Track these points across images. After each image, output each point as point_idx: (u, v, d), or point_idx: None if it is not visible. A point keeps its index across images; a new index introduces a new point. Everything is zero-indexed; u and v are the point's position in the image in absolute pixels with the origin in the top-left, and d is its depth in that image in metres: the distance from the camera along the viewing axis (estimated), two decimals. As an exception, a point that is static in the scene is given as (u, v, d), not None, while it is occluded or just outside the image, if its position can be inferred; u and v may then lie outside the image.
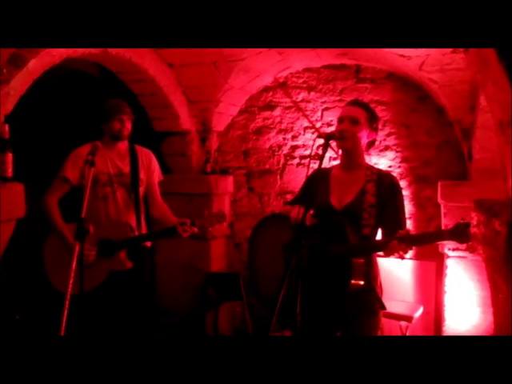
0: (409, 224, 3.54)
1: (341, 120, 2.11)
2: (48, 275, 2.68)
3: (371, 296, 2.09)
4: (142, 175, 2.83)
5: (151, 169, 2.90)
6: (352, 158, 2.14)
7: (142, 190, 2.84)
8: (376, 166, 2.26)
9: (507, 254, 1.02)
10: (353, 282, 1.99)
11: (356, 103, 2.18)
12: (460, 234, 1.74)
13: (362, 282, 2.01)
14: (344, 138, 2.06)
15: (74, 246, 2.00)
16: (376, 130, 2.17)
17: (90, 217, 2.62)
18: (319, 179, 2.12)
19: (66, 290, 1.92)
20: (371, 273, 2.10)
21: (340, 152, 2.21)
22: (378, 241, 2.04)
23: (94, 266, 2.59)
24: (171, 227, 2.64)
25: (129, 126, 2.76)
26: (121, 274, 2.65)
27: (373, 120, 2.13)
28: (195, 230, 2.62)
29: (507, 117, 1.17)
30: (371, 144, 2.19)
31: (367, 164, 2.21)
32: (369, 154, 2.45)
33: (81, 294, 2.08)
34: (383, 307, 2.11)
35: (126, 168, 2.79)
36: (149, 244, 2.87)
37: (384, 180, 2.11)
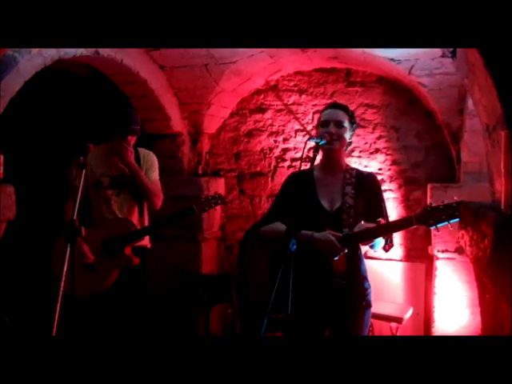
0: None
1: (326, 123, 2.16)
2: (56, 277, 2.68)
3: (356, 293, 2.16)
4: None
5: (148, 166, 2.94)
6: (334, 160, 2.22)
7: None
8: (355, 168, 2.32)
9: (493, 254, 1.04)
10: (335, 280, 2.07)
11: (338, 106, 2.24)
12: (426, 219, 1.85)
13: (344, 282, 2.07)
14: (332, 140, 2.13)
15: (66, 248, 2.01)
16: (354, 131, 2.26)
17: (93, 219, 2.67)
18: (301, 182, 2.19)
19: (68, 292, 1.96)
20: (355, 271, 2.16)
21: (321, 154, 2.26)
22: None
23: (101, 267, 2.61)
24: (168, 218, 2.76)
25: (133, 141, 2.81)
26: (127, 274, 2.68)
27: (353, 122, 2.23)
28: None
29: (493, 121, 1.20)
30: (349, 145, 2.27)
31: (347, 166, 2.28)
32: (347, 156, 2.51)
33: (72, 295, 2.08)
34: (369, 304, 2.19)
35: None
36: (149, 246, 2.90)
37: (364, 182, 2.21)
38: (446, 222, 1.83)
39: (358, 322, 2.15)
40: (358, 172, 2.26)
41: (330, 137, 2.11)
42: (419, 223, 1.90)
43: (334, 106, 2.25)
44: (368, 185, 2.21)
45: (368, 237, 2.04)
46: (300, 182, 2.18)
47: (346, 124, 2.17)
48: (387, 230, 2.02)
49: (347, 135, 2.19)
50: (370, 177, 2.29)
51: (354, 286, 2.15)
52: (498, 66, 1.08)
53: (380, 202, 2.21)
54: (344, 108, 2.23)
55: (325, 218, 2.13)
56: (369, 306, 2.20)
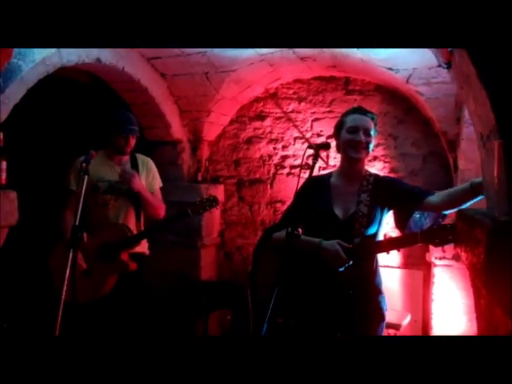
0: (397, 233, 3.59)
1: (354, 129, 2.07)
2: (55, 283, 2.69)
3: (369, 306, 2.11)
4: (143, 181, 2.89)
5: (151, 175, 2.97)
6: (356, 168, 2.16)
7: None
8: (374, 174, 2.23)
9: (487, 260, 1.07)
10: (340, 290, 2.04)
11: (366, 112, 2.14)
12: (432, 237, 1.83)
13: (350, 292, 2.04)
14: (361, 149, 2.08)
15: (68, 254, 2.02)
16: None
17: (90, 225, 2.68)
18: (316, 187, 2.14)
19: (68, 299, 1.98)
20: (368, 282, 2.12)
21: (340, 160, 2.23)
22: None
23: (98, 272, 2.62)
24: (163, 222, 2.79)
25: (132, 142, 2.84)
26: (125, 280, 2.70)
27: (376, 130, 2.16)
28: None
29: (487, 131, 1.23)
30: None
31: (366, 172, 2.20)
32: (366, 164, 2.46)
33: (73, 301, 2.09)
34: (382, 318, 2.13)
35: None
36: (147, 253, 2.92)
37: (381, 186, 2.14)
38: (452, 244, 1.78)
39: (371, 335, 2.09)
40: (376, 178, 2.18)
41: (355, 144, 2.06)
42: (424, 241, 1.87)
43: (363, 111, 2.14)
44: (386, 186, 2.14)
45: (373, 251, 2.03)
46: (316, 188, 2.12)
47: (373, 132, 2.11)
48: (392, 245, 1.99)
49: (373, 144, 2.13)
50: (386, 178, 2.26)
51: (367, 298, 2.10)
52: (491, 78, 1.12)
53: (406, 187, 2.13)
54: (372, 115, 2.14)
55: (336, 225, 2.08)
56: (382, 319, 2.13)
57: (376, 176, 2.21)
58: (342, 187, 2.16)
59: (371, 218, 2.07)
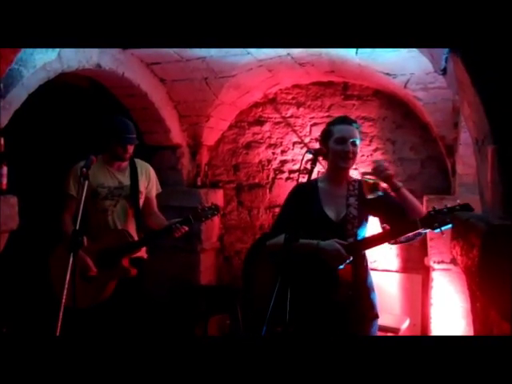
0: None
1: (342, 140, 2.15)
2: (54, 287, 2.69)
3: (363, 305, 2.15)
4: (142, 188, 2.90)
5: (150, 182, 2.97)
6: (343, 174, 2.25)
7: (141, 202, 2.90)
8: (358, 179, 2.31)
9: (481, 263, 1.09)
10: (341, 292, 2.08)
11: (353, 123, 2.22)
12: (431, 222, 1.89)
13: (350, 292, 2.09)
14: (349, 158, 2.16)
15: (68, 258, 2.03)
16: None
17: (90, 230, 2.68)
18: (306, 193, 2.21)
19: (68, 303, 1.98)
20: (361, 282, 2.17)
21: (327, 167, 2.29)
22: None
23: (99, 278, 2.63)
24: (166, 228, 2.75)
25: (131, 150, 2.83)
26: (124, 284, 2.71)
27: (361, 139, 2.26)
28: (186, 228, 2.75)
29: (481, 136, 1.25)
30: None
31: (350, 178, 2.30)
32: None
33: (74, 306, 2.10)
34: (376, 316, 2.19)
35: (126, 181, 2.85)
36: (146, 257, 2.93)
37: None
38: (451, 225, 1.84)
39: (365, 333, 2.15)
40: (361, 184, 2.25)
41: (344, 155, 2.14)
42: (424, 226, 1.93)
43: (349, 121, 2.22)
44: None
45: (373, 243, 2.09)
46: (305, 194, 2.20)
47: (358, 141, 2.20)
48: (392, 235, 2.05)
49: (358, 151, 2.21)
50: None
51: (361, 297, 2.15)
52: (485, 84, 1.14)
53: (392, 199, 2.19)
54: (357, 125, 2.23)
55: (330, 227, 2.15)
56: (375, 317, 2.19)
57: (360, 182, 2.28)
58: (331, 191, 2.25)
59: (361, 220, 2.18)
